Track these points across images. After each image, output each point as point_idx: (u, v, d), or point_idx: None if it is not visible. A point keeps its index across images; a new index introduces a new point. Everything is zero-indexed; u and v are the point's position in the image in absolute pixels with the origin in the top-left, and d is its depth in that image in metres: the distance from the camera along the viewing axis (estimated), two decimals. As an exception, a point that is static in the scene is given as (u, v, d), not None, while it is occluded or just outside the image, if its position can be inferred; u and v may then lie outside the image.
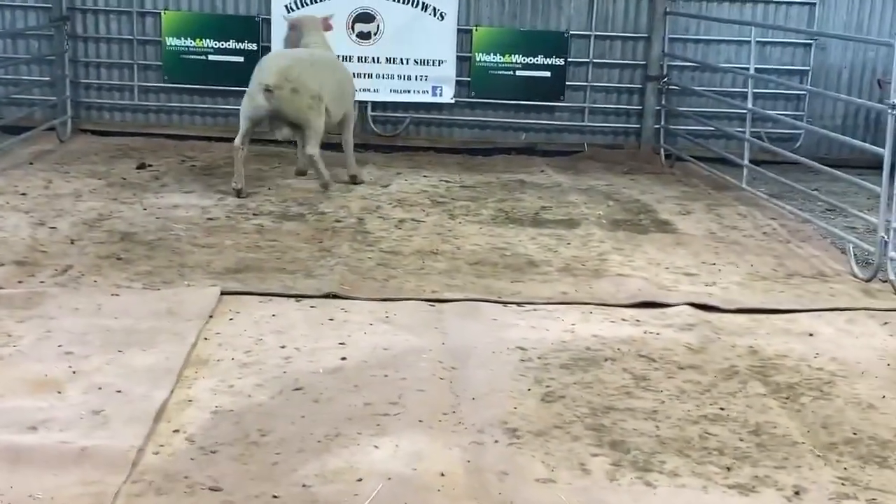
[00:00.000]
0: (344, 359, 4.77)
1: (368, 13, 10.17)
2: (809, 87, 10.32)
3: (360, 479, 3.64)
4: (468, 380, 4.59)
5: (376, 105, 10.47)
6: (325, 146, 8.27)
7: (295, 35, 8.51)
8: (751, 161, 8.68)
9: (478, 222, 7.48)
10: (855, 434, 4.20)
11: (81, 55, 10.33)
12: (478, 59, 10.37)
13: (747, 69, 9.10)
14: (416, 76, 10.34)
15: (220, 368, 4.61)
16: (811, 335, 5.41)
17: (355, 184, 8.49)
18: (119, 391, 4.25)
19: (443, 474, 3.71)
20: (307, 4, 10.08)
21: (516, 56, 10.37)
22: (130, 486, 3.53)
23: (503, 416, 4.20)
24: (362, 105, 10.33)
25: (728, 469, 3.85)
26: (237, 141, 7.92)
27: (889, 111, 6.28)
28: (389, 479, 3.64)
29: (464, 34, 10.31)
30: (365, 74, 10.22)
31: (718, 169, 9.25)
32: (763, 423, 4.26)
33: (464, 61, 10.38)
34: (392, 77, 10.33)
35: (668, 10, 10.22)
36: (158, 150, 9.59)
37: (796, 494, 3.69)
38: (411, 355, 4.85)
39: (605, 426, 4.15)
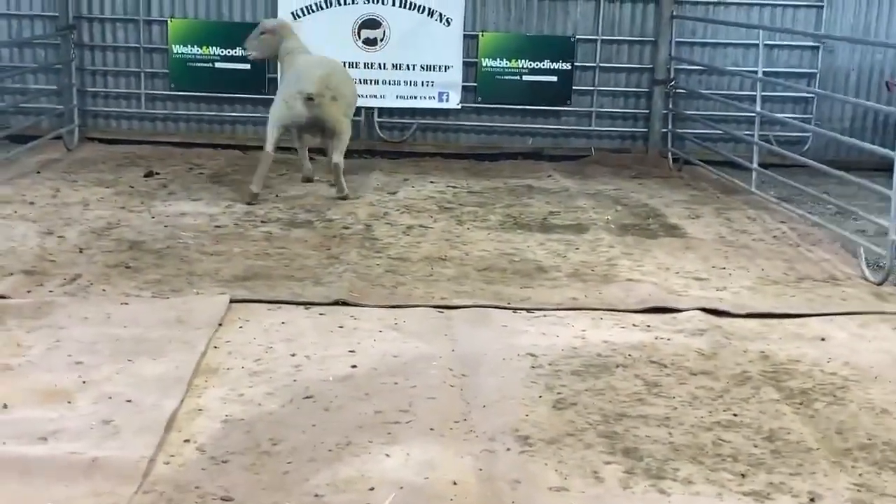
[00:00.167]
0: (354, 366, 4.76)
1: (374, 19, 10.17)
2: (817, 89, 10.29)
3: (371, 489, 3.62)
4: (479, 387, 4.56)
5: (383, 111, 10.47)
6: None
7: (274, 39, 8.48)
8: (759, 164, 8.65)
9: (486, 228, 7.46)
10: (870, 440, 4.17)
11: (88, 64, 10.34)
12: (484, 64, 10.36)
13: (755, 72, 9.08)
14: (423, 82, 10.33)
15: (230, 377, 4.59)
16: (823, 340, 5.38)
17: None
18: (129, 401, 4.24)
19: (455, 483, 3.68)
20: (313, 11, 10.09)
21: (523, 61, 10.36)
22: (141, 497, 3.51)
23: (515, 423, 4.17)
24: (369, 111, 10.34)
25: (742, 476, 3.82)
26: (269, 148, 7.94)
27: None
28: (401, 487, 3.62)
29: (470, 40, 10.30)
30: (371, 81, 10.22)
31: (727, 172, 9.22)
32: (777, 430, 4.23)
33: (470, 67, 10.37)
34: (398, 83, 10.33)
35: (674, 13, 10.21)
36: (166, 157, 9.61)
37: (812, 501, 3.66)
38: (421, 363, 4.83)
39: (617, 433, 4.12)
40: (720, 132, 10.04)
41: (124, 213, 7.41)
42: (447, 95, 10.38)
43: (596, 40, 10.39)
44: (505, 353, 4.97)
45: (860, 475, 3.86)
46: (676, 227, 7.67)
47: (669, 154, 10.25)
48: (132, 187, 8.30)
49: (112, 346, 4.84)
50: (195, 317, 5.25)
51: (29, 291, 5.60)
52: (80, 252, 6.40)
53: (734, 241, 7.32)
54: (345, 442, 3.98)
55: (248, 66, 9.85)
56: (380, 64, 10.26)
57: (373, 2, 10.13)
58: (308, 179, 8.70)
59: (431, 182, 9.09)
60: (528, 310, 5.65)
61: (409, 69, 10.31)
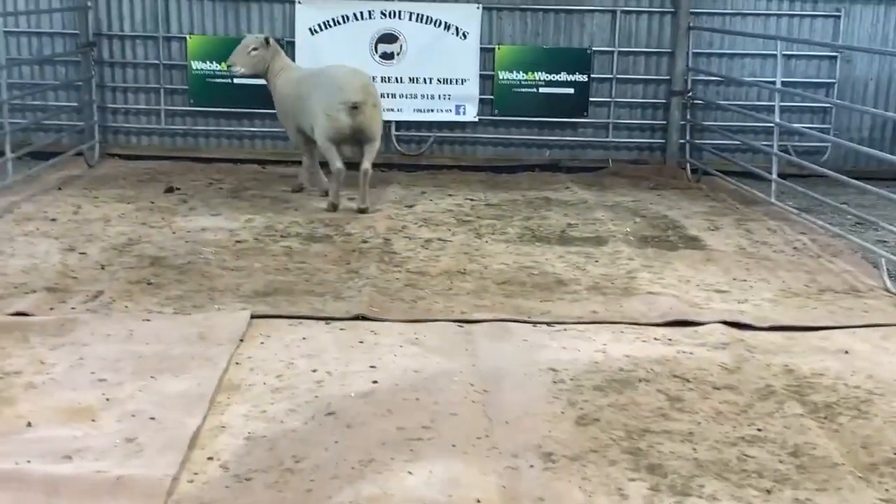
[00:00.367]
0: (375, 382, 4.76)
1: (391, 34, 10.21)
2: (836, 100, 10.24)
3: (395, 507, 3.62)
4: (501, 403, 4.55)
5: (400, 124, 10.50)
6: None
7: (265, 56, 8.58)
8: (777, 175, 8.62)
9: (504, 241, 7.46)
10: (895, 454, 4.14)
11: (108, 80, 10.43)
12: (500, 76, 10.38)
13: (773, 83, 9.05)
14: (440, 95, 10.36)
15: (252, 393, 4.60)
16: (847, 353, 5.34)
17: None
18: (152, 418, 4.25)
19: (479, 501, 3.67)
20: (331, 26, 10.14)
21: (539, 73, 10.38)
22: (166, 516, 3.53)
23: (538, 440, 4.16)
24: (386, 125, 10.35)
25: (768, 492, 3.80)
26: (340, 164, 8.03)
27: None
28: (425, 506, 3.62)
29: (486, 52, 10.32)
30: (388, 94, 10.25)
31: (745, 183, 9.19)
32: (802, 444, 4.20)
33: (486, 79, 10.39)
34: (415, 96, 10.36)
35: (691, 25, 10.19)
36: (186, 173, 9.66)
37: (838, 518, 3.64)
38: (442, 378, 4.83)
39: (641, 449, 4.11)
40: (738, 143, 10.02)
41: (145, 229, 7.45)
42: (464, 108, 10.40)
43: (613, 52, 10.40)
44: (526, 367, 4.96)
45: (887, 490, 3.83)
46: (696, 239, 7.64)
47: (688, 165, 10.23)
48: (153, 203, 8.34)
49: (135, 363, 4.86)
50: (217, 333, 5.27)
51: (52, 308, 5.64)
52: (102, 268, 6.44)
53: (755, 253, 7.29)
54: (367, 459, 3.97)
55: (265, 82, 9.86)
56: (397, 78, 10.29)
57: (390, 16, 10.18)
58: (299, 189, 8.89)
59: (449, 195, 9.10)
60: (548, 324, 5.64)
61: (425, 83, 10.34)
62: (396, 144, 10.52)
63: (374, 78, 10.01)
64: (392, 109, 10.27)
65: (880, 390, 4.81)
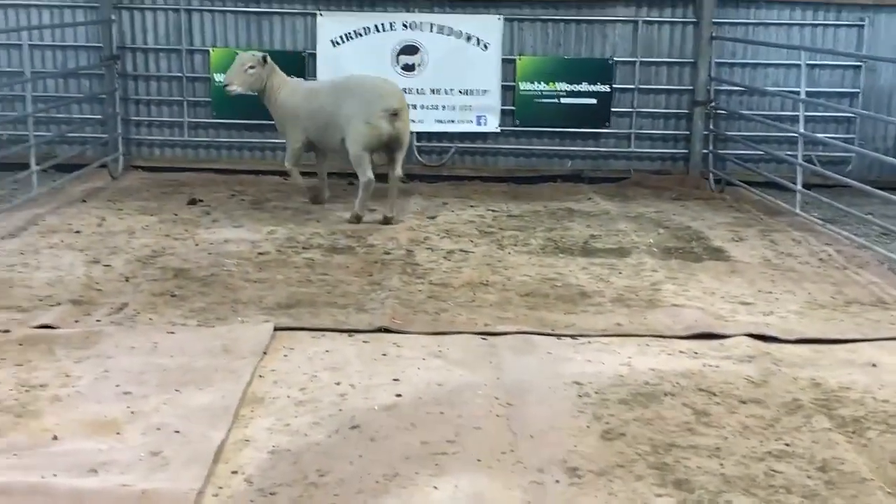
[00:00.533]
0: (399, 395, 4.74)
1: (413, 45, 10.23)
2: (860, 109, 10.17)
3: (420, 522, 3.60)
4: (525, 417, 4.53)
5: (421, 135, 10.50)
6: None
7: (263, 73, 8.58)
8: (802, 185, 8.55)
9: (527, 252, 7.44)
10: (926, 470, 4.08)
11: (132, 93, 10.50)
12: (522, 87, 10.37)
13: (797, 93, 9.00)
14: (461, 106, 10.37)
15: (275, 407, 4.60)
16: (874, 366, 5.28)
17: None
18: (177, 431, 4.26)
19: (504, 516, 3.65)
20: (352, 38, 10.17)
21: (561, 84, 10.36)
22: (191, 530, 3.52)
23: (563, 454, 4.14)
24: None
25: (797, 508, 3.76)
26: (371, 174, 8.17)
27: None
28: (450, 520, 3.60)
29: (507, 63, 10.32)
30: (410, 105, 10.22)
31: (770, 194, 9.13)
32: (830, 459, 4.16)
33: (508, 90, 10.38)
34: (437, 108, 10.37)
35: (714, 35, 10.15)
36: (208, 185, 9.70)
37: (869, 535, 3.59)
38: (466, 391, 4.81)
39: (667, 464, 4.07)
40: (762, 153, 9.95)
41: (169, 241, 7.49)
42: (485, 119, 10.40)
43: (635, 62, 10.37)
44: (551, 381, 4.93)
45: (918, 507, 3.78)
46: (721, 251, 7.59)
47: (711, 175, 10.17)
48: (176, 215, 8.38)
49: (159, 375, 4.87)
50: (240, 346, 5.27)
51: (77, 321, 5.66)
52: (127, 281, 6.47)
53: (780, 265, 7.23)
54: (392, 473, 3.96)
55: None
56: (418, 89, 10.30)
57: (411, 28, 10.20)
58: (321, 202, 8.88)
59: (471, 206, 9.09)
60: (572, 336, 5.61)
61: (447, 94, 10.35)
62: (418, 155, 10.53)
63: (395, 89, 10.12)
64: (413, 121, 10.23)
65: (909, 404, 4.76)
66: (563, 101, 10.40)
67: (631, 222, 8.49)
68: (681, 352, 5.40)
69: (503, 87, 10.32)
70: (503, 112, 10.39)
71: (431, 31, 10.21)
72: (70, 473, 3.86)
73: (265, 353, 5.23)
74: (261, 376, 4.94)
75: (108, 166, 9.95)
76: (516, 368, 5.12)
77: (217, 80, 10.28)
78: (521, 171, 10.51)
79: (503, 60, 10.27)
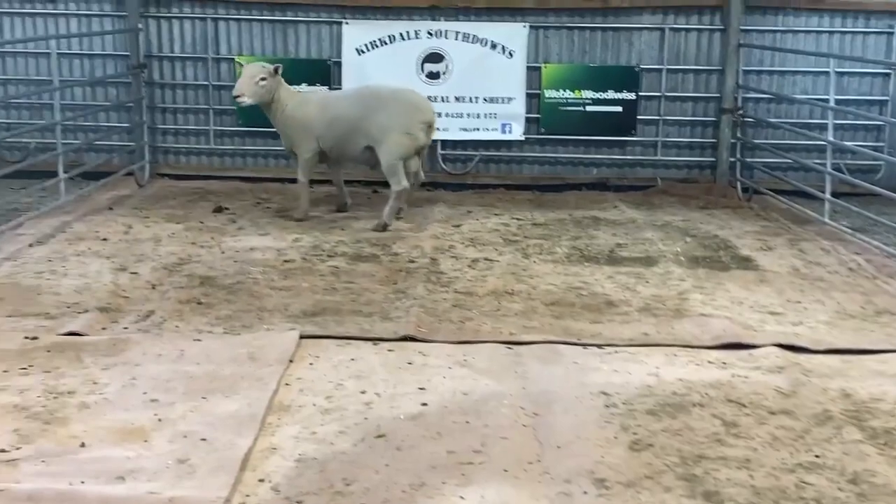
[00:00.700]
0: (424, 404, 4.73)
1: (437, 53, 10.23)
2: (889, 117, 10.07)
3: (447, 532, 3.58)
4: (552, 427, 4.50)
5: (446, 143, 10.49)
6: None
7: (272, 85, 8.40)
8: (831, 194, 8.47)
9: (552, 261, 7.40)
10: (960, 483, 4.01)
11: (158, 101, 10.57)
12: (547, 95, 10.34)
13: (825, 100, 8.91)
14: (485, 114, 10.35)
15: (302, 415, 4.60)
16: (906, 377, 5.21)
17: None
18: (204, 439, 4.26)
19: (532, 527, 3.62)
20: (377, 46, 10.19)
21: (586, 91, 10.33)
22: (218, 538, 3.52)
23: (590, 465, 4.10)
24: (433, 143, 10.36)
25: (829, 522, 3.70)
26: (406, 182, 8.34)
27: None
28: (477, 531, 3.57)
29: (533, 71, 10.30)
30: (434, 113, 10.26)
31: (798, 202, 9.05)
32: (861, 472, 4.10)
33: (533, 98, 10.36)
34: (461, 115, 10.36)
35: (741, 42, 10.09)
36: (234, 193, 9.74)
37: (903, 549, 3.53)
38: (492, 401, 4.78)
39: (696, 476, 4.03)
40: (790, 161, 9.87)
41: (195, 249, 7.52)
42: (510, 127, 10.38)
43: (661, 69, 10.31)
44: (577, 391, 4.90)
45: (953, 521, 3.72)
46: (749, 260, 7.52)
47: (738, 184, 10.09)
48: (202, 222, 8.41)
49: (186, 383, 4.88)
50: (266, 353, 5.28)
51: (104, 328, 5.69)
52: (153, 288, 6.49)
53: (809, 274, 7.15)
54: (418, 483, 3.94)
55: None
56: (443, 97, 10.30)
57: (436, 36, 10.20)
58: (343, 209, 8.93)
59: (496, 214, 9.07)
60: (599, 346, 5.57)
61: (471, 102, 10.34)
62: (442, 164, 10.52)
63: (420, 97, 10.16)
64: (438, 129, 10.25)
65: (942, 416, 4.69)
66: (588, 108, 10.36)
67: (657, 231, 8.43)
68: (709, 362, 5.35)
69: (528, 94, 10.30)
70: (528, 120, 10.37)
71: (456, 39, 10.20)
72: (98, 480, 3.87)
73: (291, 360, 5.24)
74: (287, 384, 4.94)
75: (135, 174, 10.02)
76: (542, 378, 5.09)
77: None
78: (546, 180, 10.47)
79: (528, 68, 10.25)
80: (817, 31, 10.24)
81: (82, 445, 4.18)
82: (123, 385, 4.84)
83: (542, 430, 4.47)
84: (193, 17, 10.40)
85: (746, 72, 10.23)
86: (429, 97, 10.18)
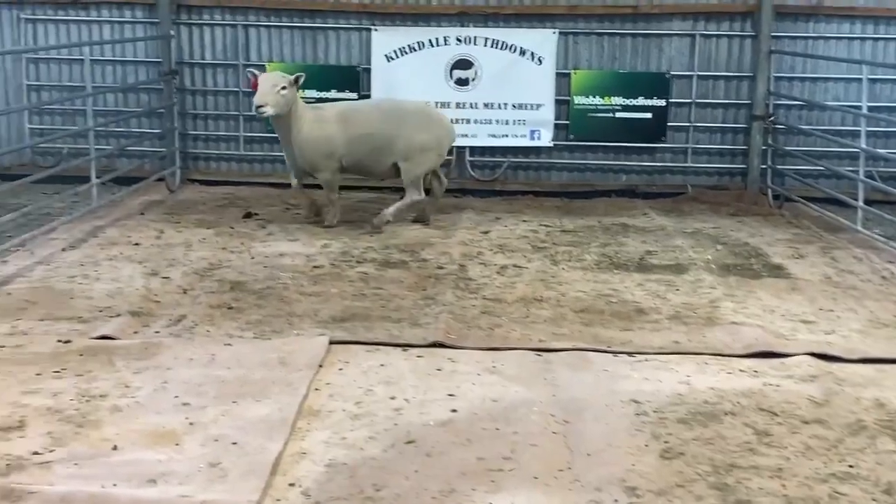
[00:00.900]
0: (454, 411, 4.73)
1: (466, 60, 10.24)
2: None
3: (477, 539, 3.57)
4: (582, 434, 4.48)
5: (474, 150, 10.50)
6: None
7: (291, 95, 8.09)
8: (863, 201, 8.38)
9: (581, 268, 7.38)
10: None
11: (190, 107, 10.65)
12: (576, 101, 10.32)
13: (857, 107, 8.83)
14: (514, 120, 10.35)
15: (331, 420, 4.61)
16: (941, 387, 5.14)
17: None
18: (235, 443, 4.28)
19: (562, 535, 3.61)
20: (406, 53, 10.21)
21: (616, 98, 10.29)
22: (249, 542, 3.53)
23: (621, 473, 4.08)
24: (461, 150, 10.40)
25: (863, 533, 3.66)
26: (424, 193, 8.55)
27: None
28: (507, 538, 3.56)
29: (562, 77, 10.28)
30: (463, 120, 10.28)
31: (830, 210, 8.96)
32: (895, 482, 4.05)
33: (562, 104, 10.34)
34: (490, 122, 10.36)
35: (772, 48, 10.02)
36: (263, 198, 9.79)
37: (940, 562, 3.48)
38: (522, 407, 4.77)
39: (728, 485, 3.99)
40: (821, 168, 9.78)
41: (225, 254, 7.56)
42: (539, 134, 10.37)
43: (692, 76, 10.26)
44: (607, 398, 4.88)
45: None
46: (780, 268, 7.46)
47: (769, 191, 10.01)
48: (232, 228, 8.47)
49: (217, 387, 4.91)
50: (296, 358, 5.30)
51: (136, 332, 5.74)
52: (185, 293, 6.54)
53: (841, 282, 7.08)
54: (448, 489, 3.94)
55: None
56: (471, 103, 10.31)
57: (465, 42, 10.21)
58: (319, 213, 8.78)
59: (524, 221, 9.05)
60: (629, 353, 5.54)
61: (500, 108, 10.34)
62: (471, 170, 10.52)
63: (448, 104, 10.16)
64: (466, 135, 10.28)
65: (979, 427, 4.62)
66: (618, 115, 10.33)
67: (688, 238, 8.38)
68: (741, 370, 5.31)
69: (557, 101, 10.28)
70: (557, 126, 10.35)
71: (485, 45, 10.21)
72: (130, 484, 3.90)
73: (320, 366, 5.25)
74: (317, 389, 4.96)
75: (166, 180, 10.10)
76: (572, 385, 5.07)
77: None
78: (575, 186, 10.44)
79: (557, 74, 10.23)
80: (849, 38, 10.16)
81: (114, 448, 4.22)
82: (155, 389, 4.88)
83: (572, 437, 4.45)
84: (224, 25, 10.49)
85: (778, 78, 10.16)
86: (457, 104, 10.27)
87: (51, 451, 4.17)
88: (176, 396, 4.79)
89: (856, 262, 7.66)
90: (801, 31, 10.19)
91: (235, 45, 10.48)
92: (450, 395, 4.92)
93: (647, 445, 4.36)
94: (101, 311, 6.08)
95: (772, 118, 10.09)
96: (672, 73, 10.26)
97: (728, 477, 4.07)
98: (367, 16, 10.38)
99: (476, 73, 10.25)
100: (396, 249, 7.82)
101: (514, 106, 10.31)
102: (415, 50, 10.25)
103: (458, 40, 10.22)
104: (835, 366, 5.39)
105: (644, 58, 10.32)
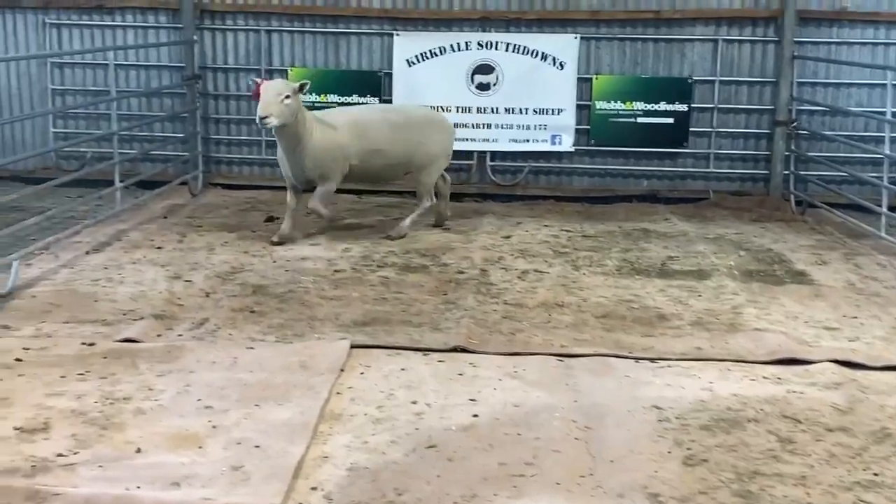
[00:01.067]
0: (476, 416, 4.73)
1: (488, 64, 10.25)
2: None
3: (499, 544, 3.57)
4: (604, 440, 4.47)
5: (495, 154, 10.51)
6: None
7: (296, 104, 7.73)
8: (887, 208, 8.32)
9: (602, 273, 7.36)
10: None
11: (212, 112, 10.71)
12: (597, 106, 10.30)
13: (882, 113, 8.76)
14: (535, 125, 10.35)
15: (353, 424, 4.62)
16: (966, 395, 5.09)
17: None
18: (257, 446, 4.30)
19: (584, 541, 3.60)
20: (428, 58, 10.23)
21: (637, 103, 10.27)
22: (271, 546, 3.54)
23: (644, 480, 4.07)
24: (482, 155, 10.41)
25: (889, 542, 3.63)
26: (434, 199, 8.66)
27: None
28: (529, 544, 3.56)
29: (583, 82, 10.27)
30: (484, 125, 10.30)
31: (853, 216, 8.90)
32: (922, 492, 4.02)
33: (583, 109, 10.33)
34: (511, 127, 10.36)
35: (795, 53, 9.97)
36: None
37: (967, 572, 3.44)
38: (544, 413, 4.76)
39: (752, 493, 3.97)
40: (845, 174, 9.71)
41: (247, 258, 7.60)
42: (560, 138, 10.36)
43: (714, 81, 10.22)
44: (629, 405, 4.86)
45: None
46: (803, 274, 7.41)
47: (792, 197, 9.95)
48: (254, 232, 8.51)
49: (239, 390, 4.93)
50: (318, 362, 5.31)
51: (159, 335, 5.78)
52: (207, 296, 6.57)
53: (864, 289, 7.03)
54: (470, 494, 3.94)
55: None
56: (493, 108, 10.32)
57: (486, 47, 10.22)
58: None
59: (545, 225, 9.04)
60: (651, 359, 5.53)
61: (521, 113, 10.34)
62: (491, 175, 10.52)
63: (469, 108, 10.19)
64: (487, 140, 10.30)
65: None
66: (639, 120, 10.30)
67: (710, 244, 8.34)
68: (764, 377, 5.28)
69: (578, 106, 10.27)
70: (578, 131, 10.34)
71: (507, 50, 10.21)
72: (153, 486, 3.92)
73: (342, 370, 5.26)
74: (338, 393, 4.97)
75: (189, 184, 10.16)
76: (594, 391, 5.06)
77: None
78: (596, 191, 10.42)
79: (579, 79, 10.22)
80: (873, 43, 10.09)
81: (138, 451, 4.24)
82: (178, 392, 4.91)
83: (594, 443, 4.44)
84: (247, 30, 10.54)
85: (801, 84, 10.11)
86: (478, 108, 10.30)
87: (75, 454, 4.20)
88: (199, 399, 4.81)
89: (879, 269, 7.60)
90: (825, 37, 10.13)
91: (258, 50, 10.53)
92: (471, 399, 4.92)
93: (669, 452, 4.34)
94: (124, 315, 6.13)
95: (794, 124, 10.04)
96: (694, 78, 10.23)
97: (751, 484, 4.04)
98: (388, 21, 10.41)
99: (497, 78, 10.26)
100: (417, 254, 7.83)
101: (535, 111, 10.31)
102: (436, 55, 10.28)
103: (480, 45, 10.24)
104: (859, 373, 5.36)
105: (666, 63, 10.29)
